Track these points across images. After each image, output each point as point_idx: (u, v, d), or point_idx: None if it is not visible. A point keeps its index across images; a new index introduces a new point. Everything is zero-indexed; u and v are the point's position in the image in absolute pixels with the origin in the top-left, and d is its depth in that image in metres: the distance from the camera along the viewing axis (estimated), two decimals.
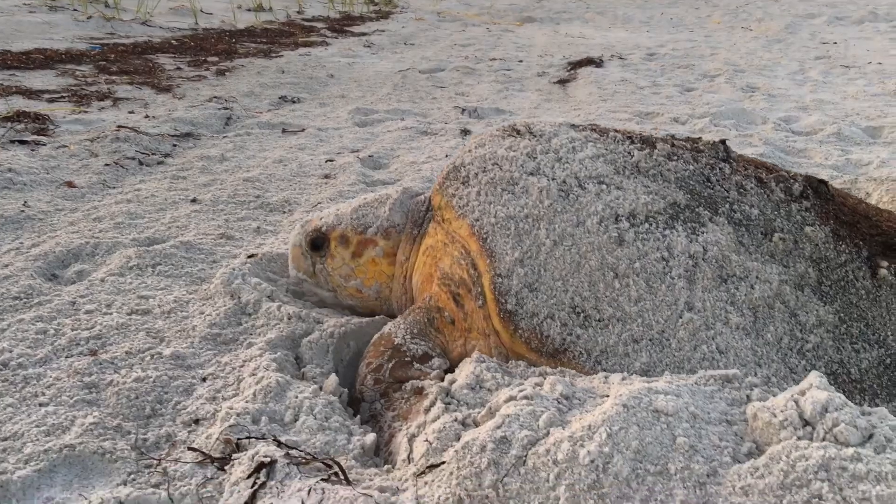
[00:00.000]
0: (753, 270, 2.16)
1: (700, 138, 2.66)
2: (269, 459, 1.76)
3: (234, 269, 2.86)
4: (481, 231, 2.28)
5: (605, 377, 1.98)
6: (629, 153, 2.43)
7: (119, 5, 11.67)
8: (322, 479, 1.71)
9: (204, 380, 2.26)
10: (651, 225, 2.22)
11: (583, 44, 11.59)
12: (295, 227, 2.88)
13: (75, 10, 11.31)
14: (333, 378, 2.24)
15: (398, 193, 2.77)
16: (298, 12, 15.05)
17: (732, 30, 14.31)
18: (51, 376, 2.24)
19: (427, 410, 1.99)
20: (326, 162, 4.70)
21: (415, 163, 4.70)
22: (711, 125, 5.69)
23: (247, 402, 2.06)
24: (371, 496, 1.63)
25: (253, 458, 1.79)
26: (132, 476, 1.84)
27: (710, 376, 1.91)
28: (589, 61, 9.01)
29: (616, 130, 2.62)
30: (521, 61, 9.48)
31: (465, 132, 5.50)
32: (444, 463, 1.68)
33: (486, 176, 2.40)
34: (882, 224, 2.40)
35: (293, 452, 1.83)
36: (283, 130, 5.53)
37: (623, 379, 1.95)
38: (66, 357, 2.36)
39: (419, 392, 2.16)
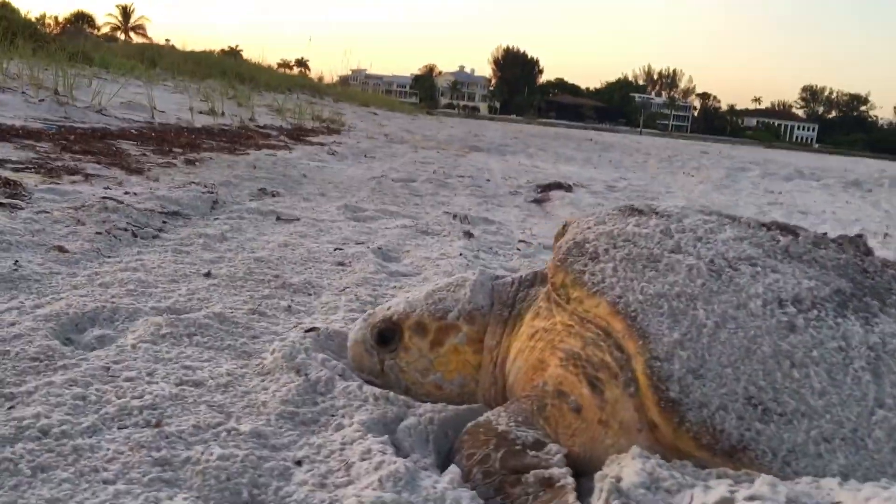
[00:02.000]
0: None
1: (826, 233, 2.49)
2: None
3: (294, 343, 2.49)
4: (627, 308, 2.00)
5: (815, 481, 1.69)
6: (773, 238, 2.23)
7: (72, 94, 11.27)
8: None
9: (299, 463, 1.86)
10: (820, 312, 1.99)
11: (539, 172, 11.74)
12: (356, 323, 2.54)
13: (24, 92, 10.86)
14: (455, 469, 1.88)
15: (477, 275, 2.48)
16: (251, 119, 14.91)
17: (674, 174, 14.83)
18: (108, 448, 1.80)
19: None
20: (335, 250, 4.38)
21: (429, 258, 4.43)
22: None
23: (374, 489, 1.67)
24: None
25: None
26: None
27: None
28: (558, 185, 9.06)
29: (742, 217, 2.43)
30: (488, 180, 9.47)
31: (469, 234, 5.28)
32: None
33: (619, 252, 2.15)
34: None
35: None
36: (278, 218, 5.20)
37: (840, 484, 1.66)
38: (120, 428, 1.93)
39: (548, 484, 1.81)
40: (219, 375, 2.32)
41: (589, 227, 2.29)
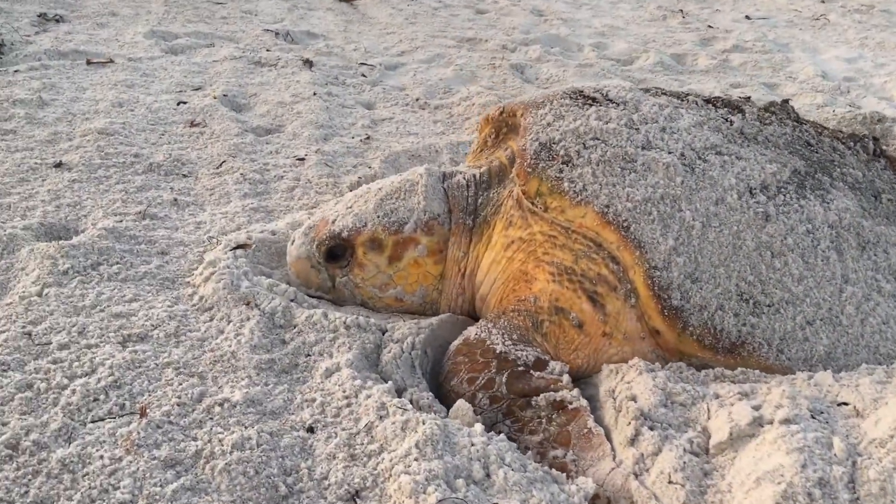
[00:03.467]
0: (882, 235, 2.11)
1: (749, 98, 2.55)
2: None
3: (230, 268, 2.27)
4: (618, 218, 1.98)
5: (810, 377, 1.84)
6: (726, 119, 2.25)
7: None
8: None
9: (311, 430, 1.76)
10: (785, 196, 2.08)
11: None
12: (294, 236, 2.34)
13: None
14: (464, 405, 1.86)
15: (426, 177, 2.32)
16: None
17: None
18: (102, 455, 1.61)
19: (632, 441, 1.72)
20: (179, 105, 3.93)
21: (283, 103, 4.10)
22: (547, 54, 5.63)
23: (417, 459, 1.63)
24: None
25: None
26: None
27: None
28: None
29: (684, 93, 2.42)
30: None
31: (308, 63, 4.91)
32: None
33: (593, 154, 2.08)
34: None
35: None
36: (88, 62, 4.54)
37: (835, 379, 1.82)
38: (95, 421, 1.72)
39: (560, 406, 1.86)
40: (160, 322, 2.09)
41: (549, 124, 2.19)
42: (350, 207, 2.29)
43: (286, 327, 2.12)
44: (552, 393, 1.88)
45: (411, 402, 1.87)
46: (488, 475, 1.63)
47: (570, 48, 6.10)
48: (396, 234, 2.22)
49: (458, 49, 5.75)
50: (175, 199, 2.87)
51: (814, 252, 2.01)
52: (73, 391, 1.77)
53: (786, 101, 2.44)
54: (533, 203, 2.11)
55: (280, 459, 1.65)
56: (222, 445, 1.65)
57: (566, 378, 1.92)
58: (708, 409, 1.76)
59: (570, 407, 1.85)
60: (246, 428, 1.71)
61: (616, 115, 2.18)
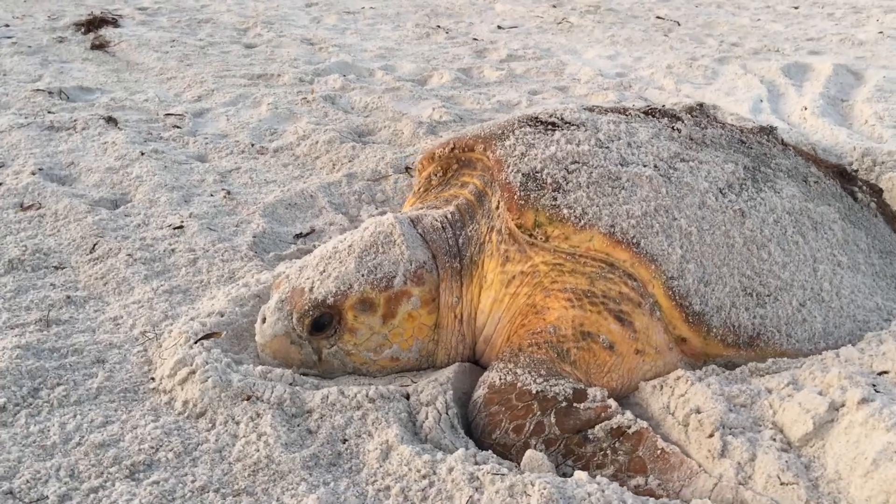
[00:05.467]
0: (824, 214, 2.31)
1: (665, 105, 2.68)
2: None
3: (211, 363, 1.99)
4: (626, 236, 2.00)
5: (836, 355, 1.97)
6: (673, 128, 2.35)
7: None
8: None
9: None
10: (748, 192, 2.21)
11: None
12: (264, 313, 2.11)
13: None
14: (538, 456, 1.78)
15: (399, 225, 2.17)
16: None
17: None
18: None
19: (723, 452, 1.73)
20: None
21: (113, 169, 3.67)
22: (348, 83, 5.55)
23: None
24: None
25: None
26: None
27: None
28: (102, 21, 7.85)
29: (622, 108, 2.49)
30: (6, 25, 7.82)
31: (112, 120, 4.45)
32: None
33: (579, 177, 2.08)
34: (817, 159, 2.75)
35: None
36: None
37: (860, 350, 1.97)
38: None
39: (620, 433, 1.84)
40: (158, 441, 1.79)
41: (524, 154, 2.15)
42: (325, 272, 2.10)
43: (300, 415, 1.90)
44: (606, 421, 1.85)
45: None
46: None
47: (362, 74, 6.06)
48: (387, 289, 2.07)
49: (256, 87, 5.50)
50: (68, 297, 2.47)
51: (785, 238, 2.16)
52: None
53: (701, 105, 2.60)
54: (531, 235, 2.06)
55: None
56: None
57: (612, 402, 1.90)
58: (770, 405, 1.83)
59: (630, 431, 1.83)
60: None
61: (584, 137, 2.20)
